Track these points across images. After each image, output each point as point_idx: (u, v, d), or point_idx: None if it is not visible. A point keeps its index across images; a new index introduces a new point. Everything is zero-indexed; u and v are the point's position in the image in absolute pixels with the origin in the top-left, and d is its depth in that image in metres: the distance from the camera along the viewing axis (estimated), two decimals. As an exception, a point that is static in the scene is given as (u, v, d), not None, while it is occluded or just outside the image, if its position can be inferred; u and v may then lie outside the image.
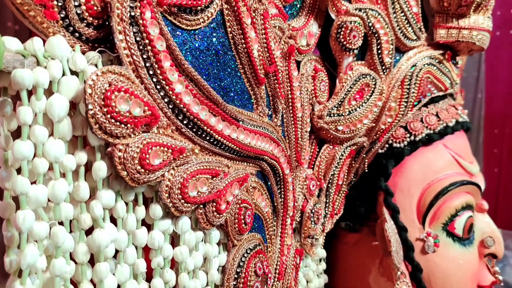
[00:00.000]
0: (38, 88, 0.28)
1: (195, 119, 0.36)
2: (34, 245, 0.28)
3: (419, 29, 0.65)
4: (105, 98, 0.29)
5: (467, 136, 0.74)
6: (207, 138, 0.37)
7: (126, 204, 0.33)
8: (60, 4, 0.30)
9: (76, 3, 0.30)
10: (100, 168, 0.30)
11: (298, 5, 0.55)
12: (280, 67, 0.47)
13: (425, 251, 0.65)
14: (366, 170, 0.67)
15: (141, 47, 0.31)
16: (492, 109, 2.44)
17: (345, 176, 0.65)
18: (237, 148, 0.41)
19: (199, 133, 0.36)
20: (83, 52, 0.31)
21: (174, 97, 0.34)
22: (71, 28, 0.30)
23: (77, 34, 0.30)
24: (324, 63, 0.60)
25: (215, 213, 0.39)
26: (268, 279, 0.47)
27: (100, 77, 0.29)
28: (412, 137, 0.66)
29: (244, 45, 0.41)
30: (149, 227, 0.36)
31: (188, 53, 0.36)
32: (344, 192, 0.67)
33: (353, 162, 0.65)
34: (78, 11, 0.30)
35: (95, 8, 0.31)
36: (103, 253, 0.30)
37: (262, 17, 0.43)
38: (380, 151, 0.67)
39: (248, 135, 0.42)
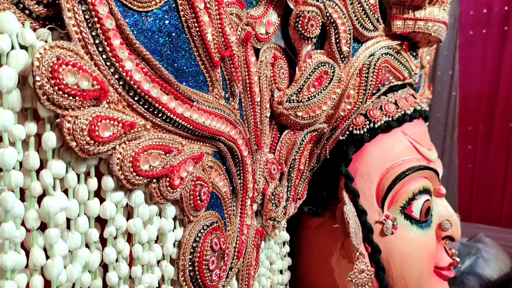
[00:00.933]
0: (-14, 61, 0.29)
1: (146, 96, 0.37)
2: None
3: (376, 20, 0.68)
4: (52, 70, 0.30)
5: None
6: (159, 115, 0.39)
7: (79, 176, 0.35)
8: (10, -18, 0.31)
9: (26, -18, 0.32)
10: (49, 138, 0.31)
11: (256, -4, 0.57)
12: (236, 52, 0.49)
13: (384, 233, 0.68)
14: (328, 156, 0.69)
15: (90, 25, 0.33)
16: (466, 106, 2.50)
17: (307, 162, 0.67)
18: (191, 127, 0.43)
19: (150, 109, 0.38)
20: (34, 29, 0.32)
21: (124, 74, 0.36)
22: (21, 6, 0.32)
23: (27, 12, 0.32)
24: (285, 52, 0.62)
25: (169, 188, 0.41)
26: (226, 255, 0.49)
27: (48, 51, 0.30)
28: (372, 124, 0.69)
29: (197, 29, 0.43)
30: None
31: (140, 33, 0.38)
32: (307, 178, 0.69)
33: (314, 148, 0.67)
34: (28, -10, 0.32)
35: (45, -14, 0.32)
36: (53, 219, 0.32)
37: (216, 2, 0.45)
38: (341, 137, 0.69)
39: (203, 115, 0.44)
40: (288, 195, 0.65)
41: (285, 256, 0.69)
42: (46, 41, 0.32)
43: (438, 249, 0.73)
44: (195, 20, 0.42)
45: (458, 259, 0.74)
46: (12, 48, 0.30)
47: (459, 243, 2.18)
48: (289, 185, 0.65)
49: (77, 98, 0.32)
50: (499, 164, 2.43)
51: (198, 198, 0.45)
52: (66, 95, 0.31)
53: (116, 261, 0.38)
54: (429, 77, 1.39)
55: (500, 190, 2.42)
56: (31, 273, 0.32)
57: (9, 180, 0.30)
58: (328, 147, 0.69)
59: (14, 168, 0.30)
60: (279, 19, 0.60)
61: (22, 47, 0.31)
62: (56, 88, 0.31)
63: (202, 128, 0.44)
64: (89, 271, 0.36)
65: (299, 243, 0.74)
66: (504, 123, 2.42)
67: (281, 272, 0.68)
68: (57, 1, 0.32)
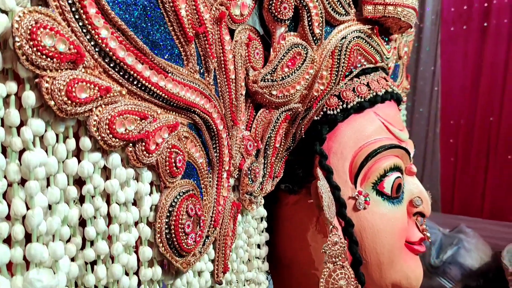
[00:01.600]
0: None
1: (121, 63, 0.40)
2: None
3: (348, 5, 0.71)
4: (31, 33, 0.33)
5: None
6: (134, 82, 0.42)
7: (58, 136, 0.37)
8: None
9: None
10: (29, 96, 0.34)
11: (231, -22, 0.60)
12: (210, 29, 0.52)
13: (357, 208, 0.71)
14: (304, 136, 0.72)
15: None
16: (448, 101, 2.55)
17: (283, 140, 0.70)
18: (166, 96, 0.46)
19: (126, 76, 0.41)
20: (14, -3, 0.35)
21: (100, 41, 0.38)
22: (2, -26, 0.34)
23: (7, -20, 0.34)
24: (259, 34, 0.65)
25: (145, 152, 0.43)
26: (201, 222, 0.52)
27: (26, 15, 0.33)
28: (345, 105, 0.72)
29: (171, 4, 0.46)
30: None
31: (115, 5, 0.41)
32: (284, 157, 0.72)
33: (290, 127, 0.70)
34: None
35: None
36: (33, 173, 0.34)
37: (190, -16, 0.48)
38: (315, 118, 0.72)
39: (177, 85, 0.47)
40: (265, 172, 0.68)
41: (262, 231, 0.71)
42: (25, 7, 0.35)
43: (409, 225, 0.76)
44: (169, -3, 0.45)
45: (429, 234, 0.77)
46: (-7, 12, 0.33)
47: (441, 234, 2.23)
48: (265, 162, 0.68)
49: (54, 60, 0.34)
50: (481, 157, 2.48)
51: (174, 165, 0.47)
52: (44, 56, 0.34)
53: (95, 218, 0.40)
54: (407, 69, 1.43)
55: (482, 183, 2.48)
56: (12, 223, 0.34)
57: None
58: (303, 126, 0.72)
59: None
60: (254, 2, 0.63)
61: (3, 11, 0.33)
62: (35, 49, 0.33)
63: (177, 98, 0.47)
64: (68, 226, 0.38)
65: (277, 219, 0.77)
66: (485, 117, 2.48)
67: (258, 246, 0.71)
68: (35, -29, 0.35)
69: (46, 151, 0.36)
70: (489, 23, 2.42)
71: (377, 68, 0.78)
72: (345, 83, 0.73)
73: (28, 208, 0.35)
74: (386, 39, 0.79)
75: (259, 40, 0.64)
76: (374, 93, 0.74)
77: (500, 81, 2.44)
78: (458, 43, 2.53)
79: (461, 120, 2.53)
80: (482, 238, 2.25)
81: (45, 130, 0.36)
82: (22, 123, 0.35)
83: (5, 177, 0.34)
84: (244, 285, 0.67)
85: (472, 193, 2.51)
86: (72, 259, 0.39)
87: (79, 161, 0.39)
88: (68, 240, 0.39)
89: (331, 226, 0.68)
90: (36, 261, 0.35)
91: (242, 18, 0.61)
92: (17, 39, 0.32)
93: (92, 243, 0.40)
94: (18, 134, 0.34)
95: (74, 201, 0.38)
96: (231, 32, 0.60)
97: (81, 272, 0.40)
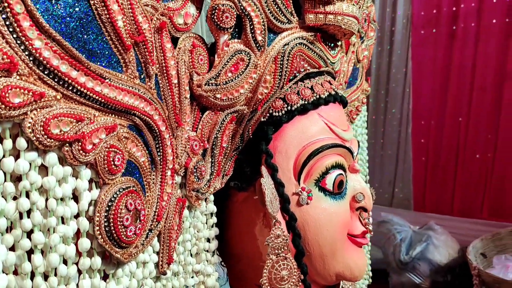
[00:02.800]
0: None
1: (56, 71, 0.44)
2: None
3: (290, 14, 0.76)
4: (-36, 45, 0.37)
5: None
6: (70, 88, 0.46)
7: (-5, 137, 0.41)
8: None
9: None
10: (-36, 101, 0.38)
11: (175, -10, 0.64)
12: (149, 38, 0.56)
13: (300, 204, 0.76)
14: (251, 137, 0.77)
15: (1, 9, 0.40)
16: (419, 102, 2.62)
17: (230, 140, 0.74)
18: (103, 100, 0.50)
19: (60, 82, 0.45)
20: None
21: (34, 51, 0.42)
22: None
23: None
24: (204, 41, 0.70)
25: (81, 152, 0.48)
26: (142, 216, 0.56)
27: (-40, 29, 0.37)
28: (289, 107, 0.77)
29: (107, 16, 0.50)
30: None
31: (51, 18, 0.45)
32: (234, 156, 0.77)
33: (237, 128, 0.75)
34: None
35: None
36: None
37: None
38: (262, 119, 0.77)
39: (114, 90, 0.51)
40: (212, 170, 0.73)
41: (212, 226, 0.76)
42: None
43: (352, 219, 0.81)
44: (104, 8, 0.49)
45: (371, 228, 0.83)
46: None
47: (411, 231, 2.30)
48: (212, 160, 0.73)
49: (-13, 68, 0.39)
50: (450, 157, 2.55)
51: (112, 163, 0.52)
52: (-22, 66, 0.38)
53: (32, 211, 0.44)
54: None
55: (451, 181, 2.55)
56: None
57: None
58: (250, 127, 0.77)
59: None
60: (198, 11, 0.68)
61: None
62: (-32, 59, 0.37)
63: (114, 102, 0.51)
64: (5, 218, 0.42)
65: (228, 215, 0.81)
66: (454, 117, 2.55)
67: (208, 240, 0.75)
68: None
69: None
70: (457, 26, 2.50)
71: (322, 72, 0.83)
72: (290, 87, 0.78)
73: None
74: (332, 44, 0.84)
75: (203, 47, 0.68)
76: (317, 96, 0.79)
77: (468, 83, 2.52)
78: (428, 46, 2.60)
79: (431, 120, 2.60)
80: (452, 234, 2.33)
81: (-18, 132, 0.40)
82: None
83: None
84: (192, 277, 0.71)
85: (442, 192, 2.59)
86: (12, 249, 0.44)
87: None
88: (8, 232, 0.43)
89: (274, 220, 0.72)
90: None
91: (186, 26, 0.65)
92: (-49, 50, 0.36)
93: (29, 234, 0.44)
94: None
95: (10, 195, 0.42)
96: (176, 40, 0.64)
97: (20, 261, 0.44)
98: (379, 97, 2.70)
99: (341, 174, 0.78)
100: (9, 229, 0.44)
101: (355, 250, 0.81)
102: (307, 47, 0.78)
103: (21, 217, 0.44)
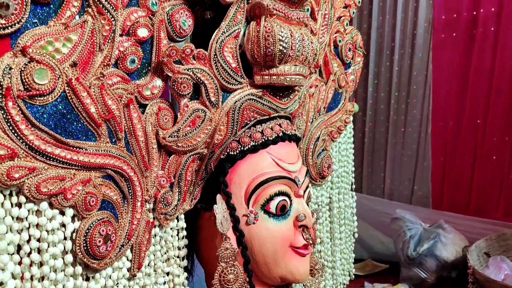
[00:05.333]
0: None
1: (44, 152, 0.70)
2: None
3: (240, 77, 0.97)
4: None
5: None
6: (54, 160, 0.71)
7: (5, 196, 0.68)
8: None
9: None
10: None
11: (144, 70, 0.88)
12: (117, 114, 0.80)
13: (248, 223, 0.98)
14: (213, 170, 1.00)
15: (5, 117, 0.65)
16: (439, 104, 2.71)
17: (195, 173, 0.98)
18: (79, 164, 0.75)
19: (48, 158, 0.70)
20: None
21: (28, 142, 0.68)
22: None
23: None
24: (169, 103, 0.93)
25: (63, 200, 0.73)
26: (112, 238, 0.81)
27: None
28: (242, 148, 0.99)
29: (82, 107, 0.74)
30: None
31: (41, 116, 0.70)
32: (201, 185, 1.01)
33: (201, 164, 0.98)
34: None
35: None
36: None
37: (98, 88, 0.77)
38: (222, 157, 1.00)
39: (88, 156, 0.76)
40: (179, 197, 0.97)
41: (182, 238, 1.00)
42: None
43: (296, 234, 1.02)
44: (80, 102, 0.74)
45: (311, 242, 1.03)
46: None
47: (422, 229, 2.44)
48: (179, 190, 0.97)
49: (-1, 160, 0.65)
50: (468, 157, 2.64)
51: (88, 204, 0.77)
52: (-9, 159, 0.64)
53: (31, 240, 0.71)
54: (356, 92, 1.66)
55: (468, 181, 2.64)
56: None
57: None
58: (212, 163, 1.00)
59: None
60: (164, 83, 0.91)
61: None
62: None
63: (88, 164, 0.76)
64: (13, 245, 0.69)
65: (199, 228, 1.05)
66: (472, 119, 2.63)
67: (179, 248, 0.99)
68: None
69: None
70: (477, 30, 2.55)
71: (274, 117, 1.04)
72: (244, 131, 1.00)
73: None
74: (283, 94, 1.04)
75: (168, 108, 0.92)
76: (266, 138, 1.00)
77: (486, 86, 2.58)
78: (448, 49, 2.67)
79: (450, 122, 2.69)
80: (466, 233, 2.44)
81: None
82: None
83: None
84: (163, 276, 0.96)
85: (459, 190, 2.69)
86: (19, 263, 0.70)
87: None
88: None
89: (225, 236, 0.96)
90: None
91: (152, 95, 0.89)
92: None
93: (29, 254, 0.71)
94: (-18, 198, 0.65)
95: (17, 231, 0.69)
96: (145, 105, 0.88)
97: (24, 270, 0.71)
98: (400, 99, 2.81)
99: (284, 199, 1.00)
100: (17, 251, 0.70)
101: (297, 259, 1.03)
102: (256, 101, 0.99)
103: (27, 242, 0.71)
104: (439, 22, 2.65)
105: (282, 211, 1.00)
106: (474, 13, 2.55)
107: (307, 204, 1.08)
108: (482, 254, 2.21)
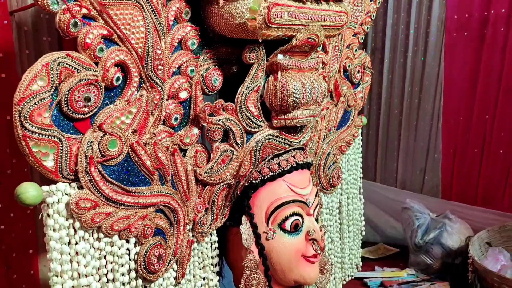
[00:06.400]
0: None
1: (115, 200, 0.94)
2: None
3: (260, 121, 1.19)
4: (76, 205, 0.87)
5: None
6: (122, 205, 0.96)
7: (89, 234, 0.93)
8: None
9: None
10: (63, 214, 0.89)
11: (184, 122, 1.11)
12: (165, 163, 1.04)
13: (268, 239, 1.22)
14: (239, 195, 1.24)
15: (89, 180, 0.89)
16: (450, 99, 2.87)
17: (224, 199, 1.22)
18: (139, 205, 0.99)
19: (117, 204, 0.95)
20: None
21: (105, 194, 0.92)
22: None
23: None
24: (205, 147, 1.16)
25: (129, 233, 0.98)
26: (163, 257, 1.06)
27: (76, 195, 0.87)
28: (263, 177, 1.22)
29: (140, 162, 0.98)
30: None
31: (112, 173, 0.94)
32: (229, 206, 1.24)
33: (229, 191, 1.21)
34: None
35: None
36: (85, 254, 0.90)
37: (152, 146, 1.00)
38: (246, 184, 1.23)
39: (145, 198, 1.00)
40: (212, 218, 1.21)
41: (215, 249, 1.25)
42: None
43: (307, 246, 1.26)
44: (139, 159, 0.97)
45: (320, 252, 1.27)
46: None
47: (430, 218, 2.65)
48: (212, 213, 1.21)
49: (85, 210, 0.89)
50: (476, 150, 2.82)
51: (146, 233, 1.01)
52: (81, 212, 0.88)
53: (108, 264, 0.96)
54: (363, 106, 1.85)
55: (476, 173, 2.82)
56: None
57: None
58: (238, 190, 1.23)
59: None
60: (200, 130, 1.14)
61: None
62: (82, 220, 0.88)
63: (146, 204, 1.00)
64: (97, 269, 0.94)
65: (228, 241, 1.30)
66: (481, 115, 2.79)
67: (212, 257, 1.24)
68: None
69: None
70: (487, 30, 2.68)
71: (289, 150, 1.26)
72: (264, 163, 1.23)
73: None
74: (296, 130, 1.26)
75: (204, 150, 1.15)
76: (282, 169, 1.23)
77: (496, 84, 2.72)
78: (460, 48, 2.80)
79: (460, 117, 2.85)
80: (473, 223, 2.64)
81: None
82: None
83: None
84: (200, 281, 1.22)
85: (468, 181, 2.87)
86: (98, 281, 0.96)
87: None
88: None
89: (249, 250, 1.20)
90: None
91: (191, 142, 1.12)
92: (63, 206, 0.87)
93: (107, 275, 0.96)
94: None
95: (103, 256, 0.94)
96: (185, 150, 1.11)
97: (103, 286, 0.96)
98: (413, 94, 2.95)
99: (297, 219, 1.23)
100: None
101: (308, 266, 1.26)
102: (274, 140, 1.21)
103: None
104: (451, 21, 2.76)
105: (296, 229, 1.23)
106: (485, 13, 2.66)
107: (319, 209, 1.31)
108: (484, 244, 2.41)
